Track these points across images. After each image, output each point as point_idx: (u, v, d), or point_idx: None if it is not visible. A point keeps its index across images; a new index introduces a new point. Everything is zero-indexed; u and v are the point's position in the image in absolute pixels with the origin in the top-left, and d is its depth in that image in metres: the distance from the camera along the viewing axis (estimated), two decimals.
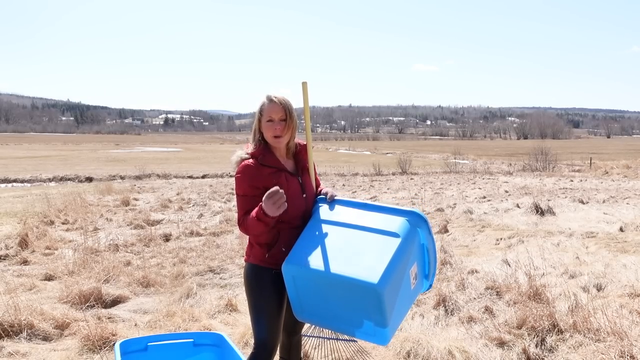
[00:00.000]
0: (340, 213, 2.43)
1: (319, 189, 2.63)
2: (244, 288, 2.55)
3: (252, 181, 2.39)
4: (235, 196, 2.49)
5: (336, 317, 2.31)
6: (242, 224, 2.38)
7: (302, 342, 2.99)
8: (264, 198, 2.26)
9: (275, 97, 2.45)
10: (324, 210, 2.47)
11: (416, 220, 2.30)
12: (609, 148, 66.02)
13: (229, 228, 8.99)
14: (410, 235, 2.26)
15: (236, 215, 2.49)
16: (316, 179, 2.66)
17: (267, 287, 2.44)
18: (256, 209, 2.30)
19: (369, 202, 2.48)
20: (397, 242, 2.21)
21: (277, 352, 2.57)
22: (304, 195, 2.51)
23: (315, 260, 2.26)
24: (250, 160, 2.43)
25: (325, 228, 2.39)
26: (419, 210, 2.36)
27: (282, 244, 2.42)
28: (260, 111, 2.47)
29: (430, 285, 2.48)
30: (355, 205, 2.45)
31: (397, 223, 2.28)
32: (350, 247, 2.26)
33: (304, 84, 2.62)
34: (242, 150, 2.50)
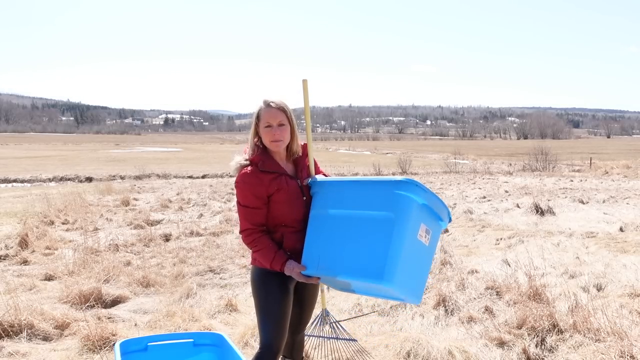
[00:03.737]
0: (334, 199, 2.40)
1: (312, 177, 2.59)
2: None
3: (254, 191, 2.37)
4: (236, 202, 2.47)
5: (369, 292, 2.48)
6: (251, 239, 2.40)
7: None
8: (293, 264, 2.37)
9: (273, 102, 2.41)
10: (318, 200, 2.47)
11: (406, 187, 2.20)
12: (609, 148, 65.97)
13: (229, 228, 8.98)
14: (405, 207, 2.19)
15: (238, 221, 2.48)
16: (322, 173, 2.66)
17: (273, 290, 2.46)
18: (280, 257, 2.38)
19: (357, 178, 2.41)
20: (392, 222, 2.18)
21: None
22: (304, 198, 2.50)
23: (325, 266, 2.34)
24: (249, 168, 2.40)
25: (323, 223, 2.40)
26: (405, 178, 2.24)
27: (286, 249, 2.44)
28: (258, 116, 2.43)
29: (450, 220, 2.41)
30: (344, 185, 2.41)
31: (388, 200, 2.21)
32: (351, 240, 2.28)
33: (304, 82, 2.60)
34: (240, 156, 2.47)
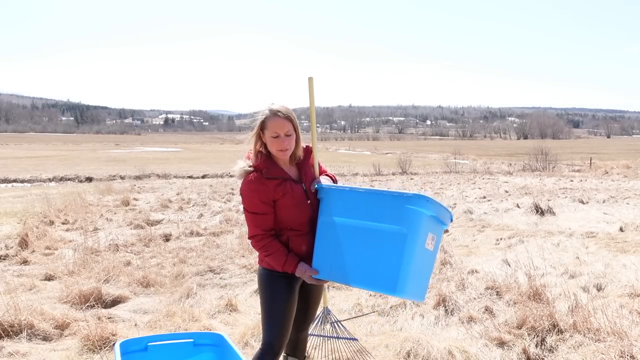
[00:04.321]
0: (343, 208, 2.39)
1: (316, 180, 2.57)
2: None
3: (260, 197, 2.37)
4: (243, 209, 2.46)
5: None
6: (262, 245, 2.41)
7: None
8: (305, 267, 2.40)
9: (279, 111, 2.38)
10: (326, 207, 2.45)
11: (417, 202, 2.22)
12: (609, 148, 65.97)
13: (229, 228, 8.96)
14: (416, 222, 2.22)
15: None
16: (328, 175, 2.66)
17: (279, 291, 2.48)
18: (292, 260, 2.41)
19: (367, 189, 2.39)
20: (404, 237, 2.21)
21: None
22: (309, 202, 2.49)
23: (337, 273, 2.38)
24: (254, 175, 2.39)
25: (333, 231, 2.40)
26: (415, 193, 2.26)
27: (292, 251, 2.46)
28: (262, 124, 2.40)
29: (452, 220, 2.44)
30: (354, 195, 2.38)
31: (400, 215, 2.23)
32: (363, 250, 2.30)
33: (310, 80, 2.59)
34: (244, 161, 2.45)
